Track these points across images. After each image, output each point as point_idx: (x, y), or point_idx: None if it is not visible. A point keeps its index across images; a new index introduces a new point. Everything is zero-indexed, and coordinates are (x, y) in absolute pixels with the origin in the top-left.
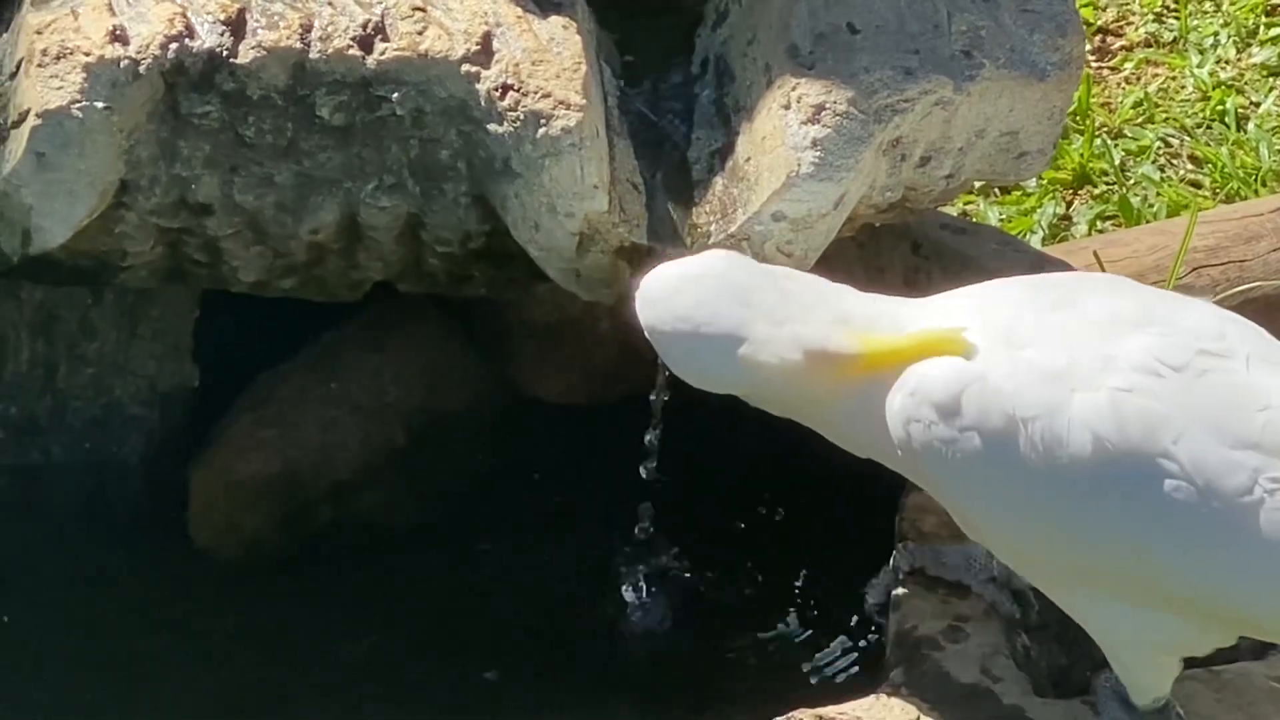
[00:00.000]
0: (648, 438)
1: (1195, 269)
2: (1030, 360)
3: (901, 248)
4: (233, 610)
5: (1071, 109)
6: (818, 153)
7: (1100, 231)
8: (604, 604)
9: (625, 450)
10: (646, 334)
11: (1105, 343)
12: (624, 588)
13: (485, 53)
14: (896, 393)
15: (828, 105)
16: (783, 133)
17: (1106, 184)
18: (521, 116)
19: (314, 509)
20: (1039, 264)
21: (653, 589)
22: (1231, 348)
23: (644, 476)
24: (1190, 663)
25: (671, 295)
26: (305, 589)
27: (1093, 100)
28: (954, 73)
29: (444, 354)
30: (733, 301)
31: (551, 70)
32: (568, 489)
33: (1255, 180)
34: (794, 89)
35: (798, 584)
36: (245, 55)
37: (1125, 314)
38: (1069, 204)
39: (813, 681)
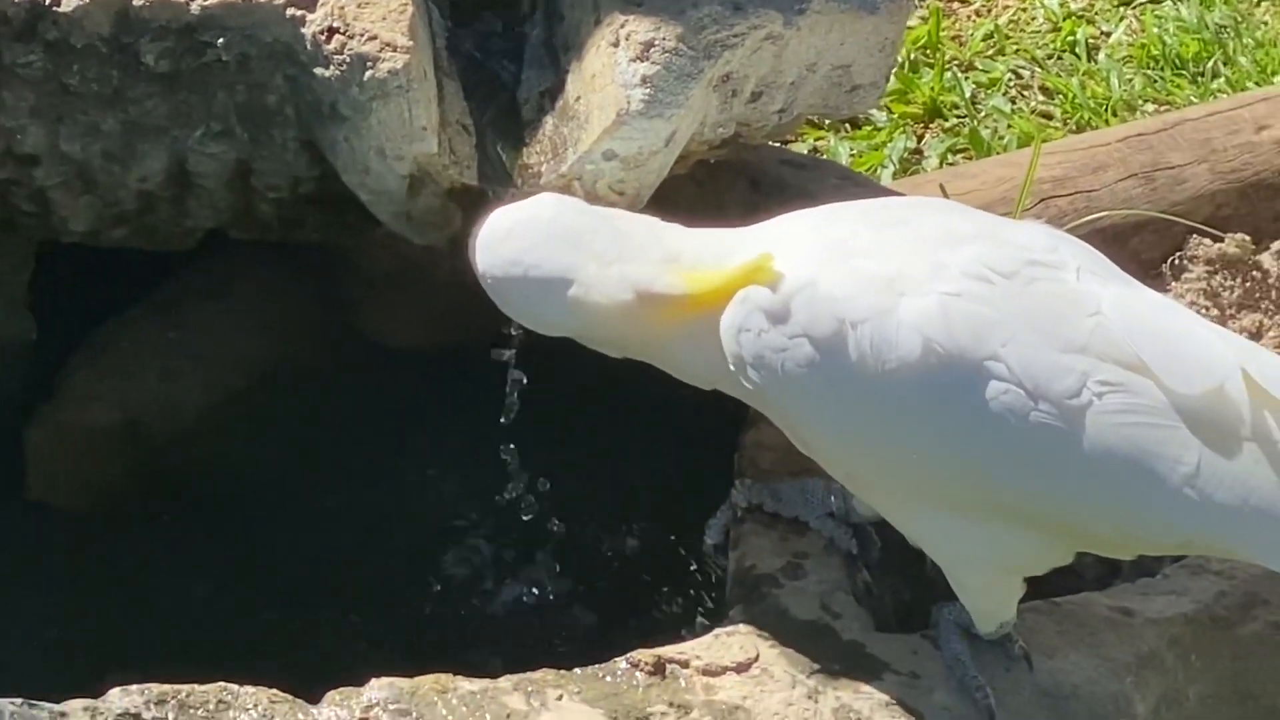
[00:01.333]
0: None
1: (1043, 200)
2: (860, 267)
3: (740, 185)
4: (80, 562)
5: (921, 43)
6: (647, 90)
7: (951, 165)
8: (450, 548)
9: (468, 393)
10: (480, 281)
11: (937, 253)
12: (469, 531)
13: None
14: (729, 308)
15: (657, 42)
16: (612, 70)
17: (957, 117)
18: (348, 60)
19: (158, 458)
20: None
21: (497, 528)
22: (1062, 260)
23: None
24: (1033, 594)
25: (502, 240)
26: (152, 538)
27: (943, 34)
28: (783, 7)
29: (286, 301)
30: (562, 244)
31: (377, 12)
32: (413, 433)
33: (1105, 110)
34: (623, 26)
35: (641, 523)
36: (68, 4)
37: (959, 229)
38: (920, 138)
39: (654, 620)
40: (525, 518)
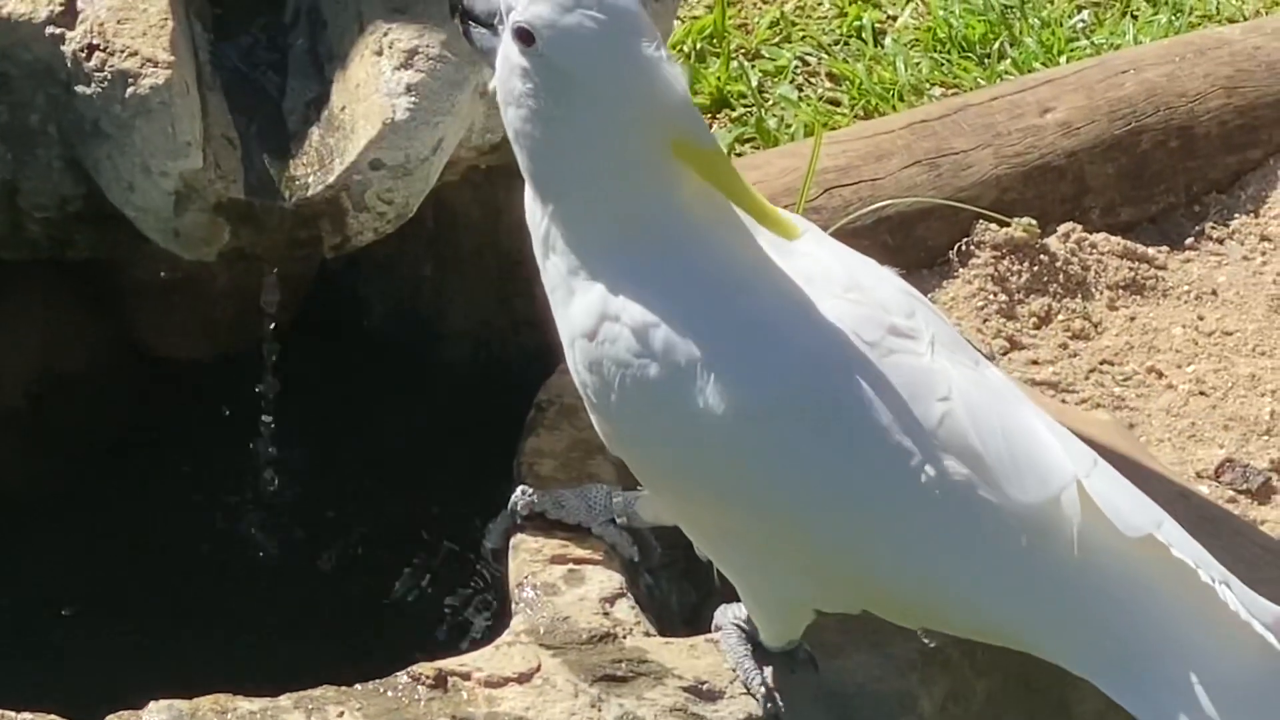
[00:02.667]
0: (260, 388)
1: (827, 189)
2: (735, 309)
3: (517, 187)
4: None
5: (708, 32)
6: (412, 98)
7: (739, 155)
8: (231, 554)
9: (248, 402)
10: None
11: (803, 301)
12: (250, 539)
13: (70, 13)
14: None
15: (421, 49)
16: (376, 79)
17: (745, 106)
18: (109, 77)
19: None
20: None
21: (279, 538)
22: (917, 329)
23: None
24: None
25: None
26: None
27: (729, 22)
28: None
29: (61, 316)
30: None
31: (138, 28)
32: (194, 445)
33: (893, 95)
34: (386, 34)
35: (423, 530)
36: None
37: (833, 273)
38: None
39: (436, 633)
40: (296, 530)
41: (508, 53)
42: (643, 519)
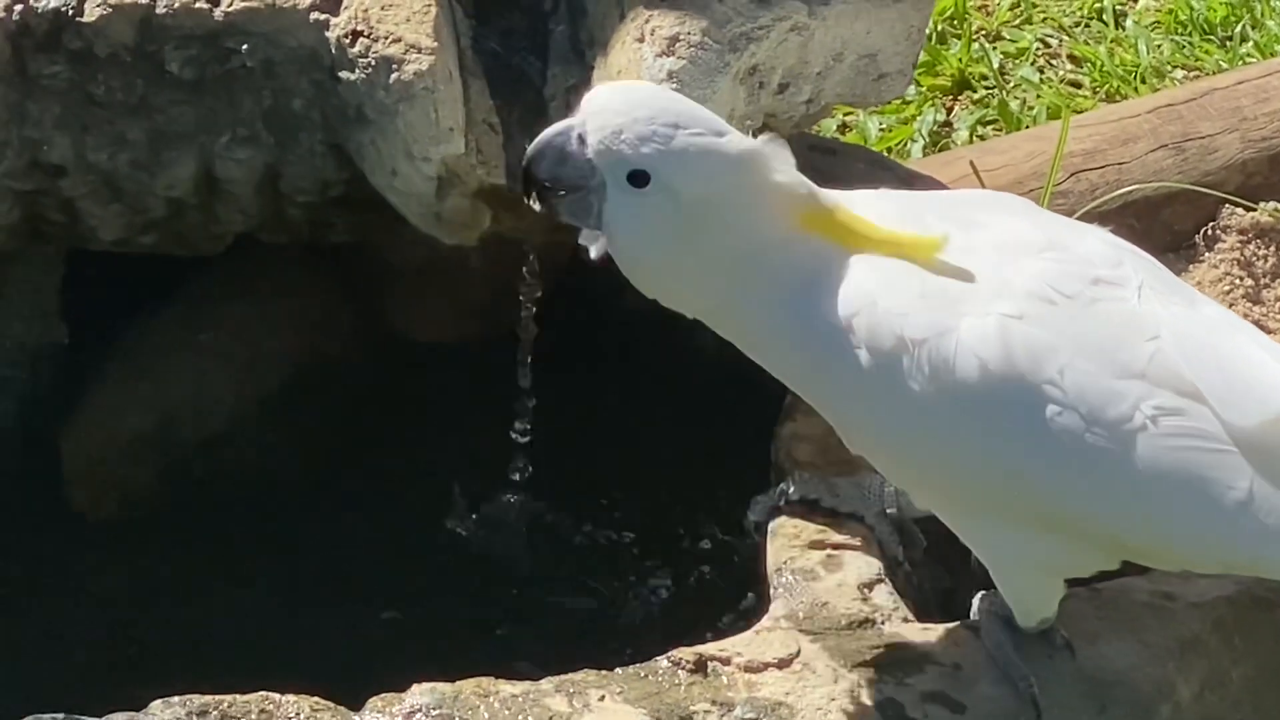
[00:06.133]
0: (520, 379)
1: (1073, 174)
2: (924, 281)
3: None
4: (118, 569)
5: (949, 14)
6: (674, 85)
7: (981, 137)
8: (485, 548)
9: (502, 388)
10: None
11: (1002, 266)
12: (504, 528)
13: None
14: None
15: (682, 36)
16: (638, 66)
17: (986, 88)
18: (373, 63)
19: (191, 462)
20: (909, 181)
21: (532, 529)
22: (1124, 276)
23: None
24: (1073, 580)
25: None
26: (188, 542)
27: (969, 4)
28: None
29: (315, 299)
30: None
31: (401, 14)
32: (446, 429)
33: (1135, 78)
34: (648, 21)
35: (678, 519)
36: (91, 13)
37: (1028, 238)
38: (949, 110)
39: (694, 615)
40: (549, 517)
41: (622, 205)
42: (916, 509)
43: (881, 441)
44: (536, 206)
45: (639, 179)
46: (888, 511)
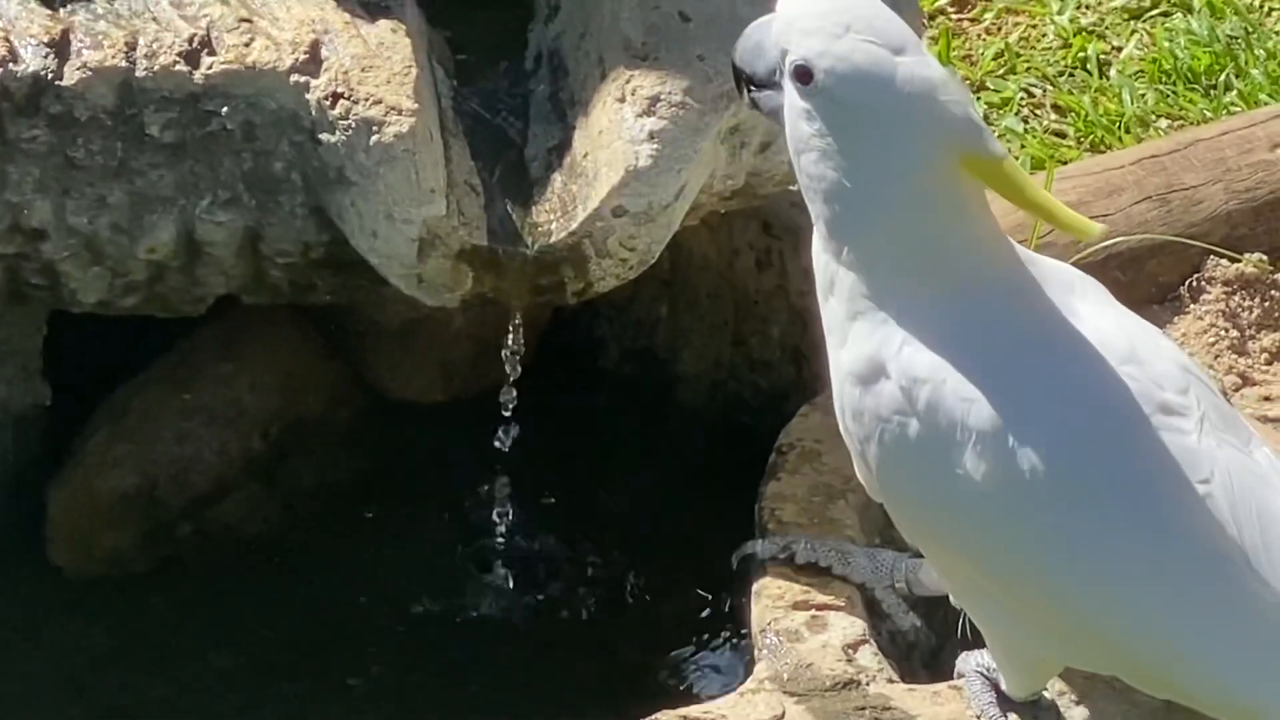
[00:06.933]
0: (500, 433)
1: None
2: (995, 369)
3: (752, 228)
4: (99, 629)
5: None
6: (655, 145)
7: None
8: (468, 605)
9: (485, 445)
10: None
11: (1074, 373)
12: (487, 587)
13: (314, 61)
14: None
15: (663, 96)
16: (619, 126)
17: None
18: (353, 125)
19: (175, 522)
20: None
21: (517, 585)
22: (1188, 406)
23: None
24: None
25: None
26: (171, 603)
27: (953, 54)
28: None
29: (299, 358)
30: None
31: (382, 75)
32: (430, 487)
33: (1119, 127)
34: (628, 81)
35: (661, 580)
36: (71, 77)
37: (1112, 342)
38: None
39: (677, 677)
40: (532, 576)
41: (790, 100)
42: (924, 587)
43: (909, 510)
44: (745, 104)
45: (803, 74)
46: (896, 585)
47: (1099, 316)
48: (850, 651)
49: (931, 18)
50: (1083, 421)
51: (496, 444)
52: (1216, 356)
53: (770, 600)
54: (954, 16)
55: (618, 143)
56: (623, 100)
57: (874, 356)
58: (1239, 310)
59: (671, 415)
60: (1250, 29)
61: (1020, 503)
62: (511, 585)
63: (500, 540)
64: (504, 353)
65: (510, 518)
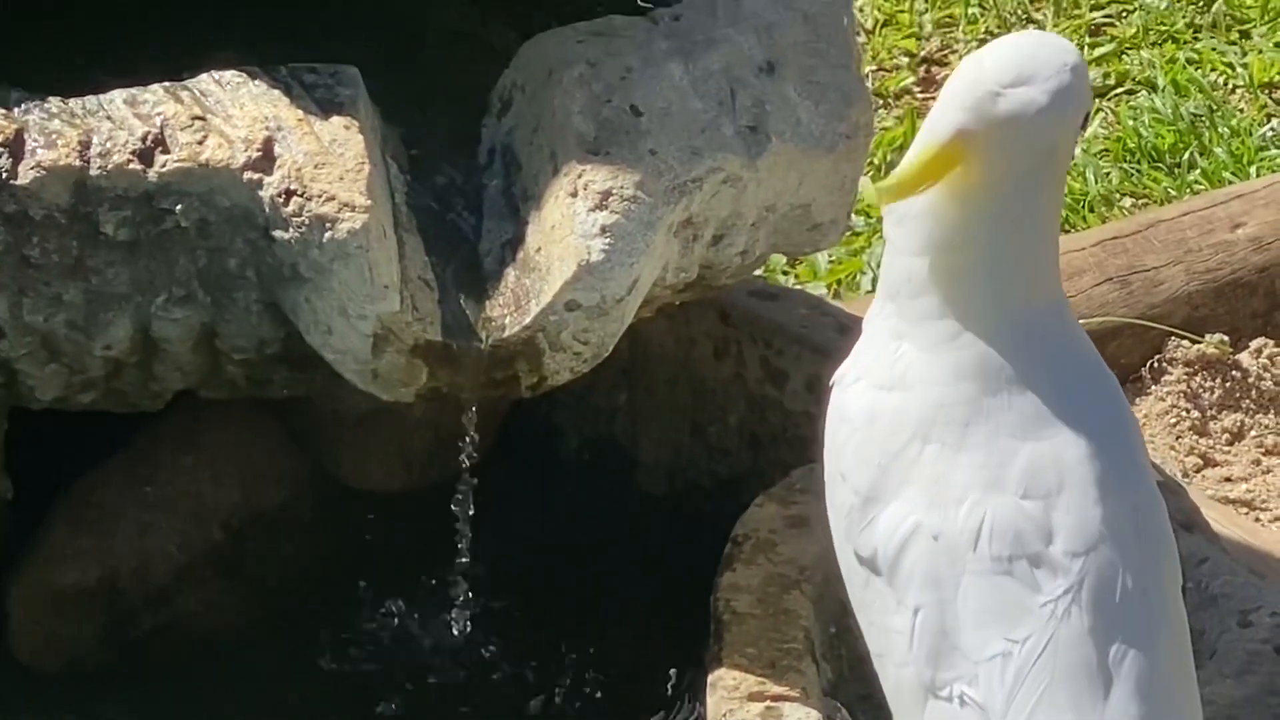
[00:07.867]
0: (458, 526)
1: None
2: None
3: (710, 317)
4: None
5: (898, 144)
6: (607, 239)
7: None
8: (431, 696)
9: (446, 534)
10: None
11: (988, 484)
12: (449, 677)
13: (267, 158)
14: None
15: (614, 190)
16: (571, 221)
17: None
18: (307, 221)
19: (136, 616)
20: (847, 327)
21: (476, 676)
22: (1071, 571)
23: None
24: None
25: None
26: (130, 699)
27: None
28: (740, 150)
29: (260, 449)
30: None
31: (335, 172)
32: (393, 577)
33: (1083, 206)
34: (580, 176)
35: (623, 668)
36: (25, 176)
37: (1040, 472)
38: None
39: None
40: (493, 666)
41: None
42: None
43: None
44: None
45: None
46: None
47: (1063, 445)
48: None
49: (897, 97)
50: (942, 522)
51: (456, 533)
52: (1178, 438)
53: (725, 691)
54: (920, 97)
55: (570, 237)
56: (575, 195)
57: (853, 363)
58: (1200, 391)
59: (630, 502)
60: (1214, 106)
61: (845, 556)
62: (471, 676)
63: (460, 629)
64: (460, 443)
65: (470, 606)
